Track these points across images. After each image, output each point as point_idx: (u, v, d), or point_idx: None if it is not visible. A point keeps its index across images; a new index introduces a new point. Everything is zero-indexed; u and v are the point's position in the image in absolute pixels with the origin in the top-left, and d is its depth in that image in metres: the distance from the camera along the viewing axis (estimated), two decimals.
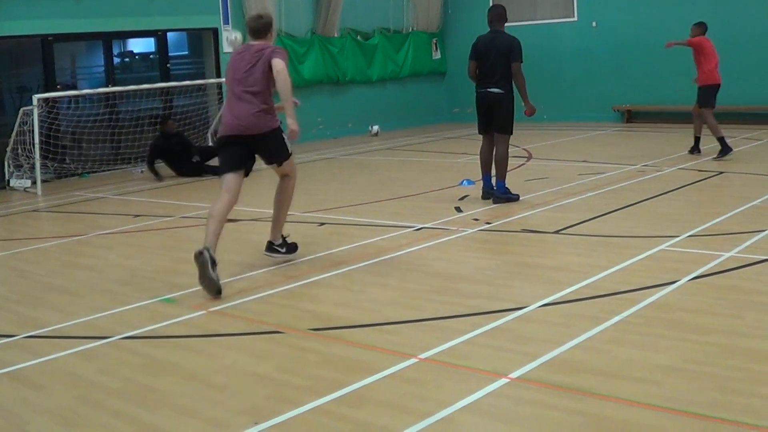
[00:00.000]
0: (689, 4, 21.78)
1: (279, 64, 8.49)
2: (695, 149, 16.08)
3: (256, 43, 8.86)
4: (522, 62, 12.02)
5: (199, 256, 7.96)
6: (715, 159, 15.06)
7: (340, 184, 14.96)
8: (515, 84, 12.07)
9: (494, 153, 12.31)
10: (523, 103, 12.11)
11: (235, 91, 8.74)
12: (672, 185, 12.66)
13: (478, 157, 12.57)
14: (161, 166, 16.98)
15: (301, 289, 8.26)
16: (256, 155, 9.01)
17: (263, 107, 8.71)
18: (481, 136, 12.57)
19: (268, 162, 9.10)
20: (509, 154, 12.37)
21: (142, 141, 18.27)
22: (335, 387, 5.66)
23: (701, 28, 15.99)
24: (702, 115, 15.74)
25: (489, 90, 12.10)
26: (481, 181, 12.53)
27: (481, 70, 12.20)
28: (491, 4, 13.21)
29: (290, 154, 9.11)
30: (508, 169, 12.45)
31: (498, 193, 12.18)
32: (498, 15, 12.38)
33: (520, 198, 12.20)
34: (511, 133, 12.30)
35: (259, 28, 8.94)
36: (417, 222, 10.95)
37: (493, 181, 12.33)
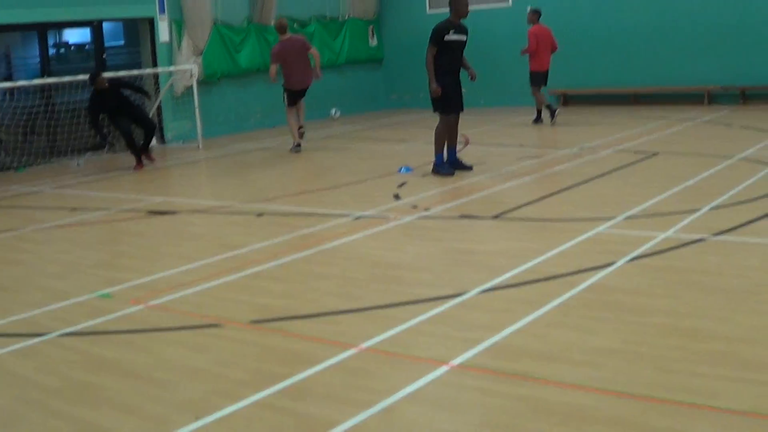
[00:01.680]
0: None
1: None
2: (538, 119, 19.50)
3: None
4: (434, 45, 12.79)
5: None
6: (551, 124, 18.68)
7: (279, 174, 14.89)
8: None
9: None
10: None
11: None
12: (609, 167, 12.77)
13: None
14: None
15: (241, 280, 8.20)
16: None
17: None
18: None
19: None
20: (443, 131, 13.12)
21: (78, 133, 18.06)
22: (276, 379, 5.64)
23: (536, 14, 18.68)
24: (533, 93, 19.22)
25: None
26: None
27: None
28: None
29: None
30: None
31: (434, 167, 13.20)
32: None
33: (458, 183, 12.28)
34: (444, 112, 13.06)
35: None
36: (356, 210, 10.93)
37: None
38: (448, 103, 12.97)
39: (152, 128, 17.02)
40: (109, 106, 16.23)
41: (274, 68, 16.89)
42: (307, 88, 17.49)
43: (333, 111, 23.97)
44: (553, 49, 19.40)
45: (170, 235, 10.52)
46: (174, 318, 7.17)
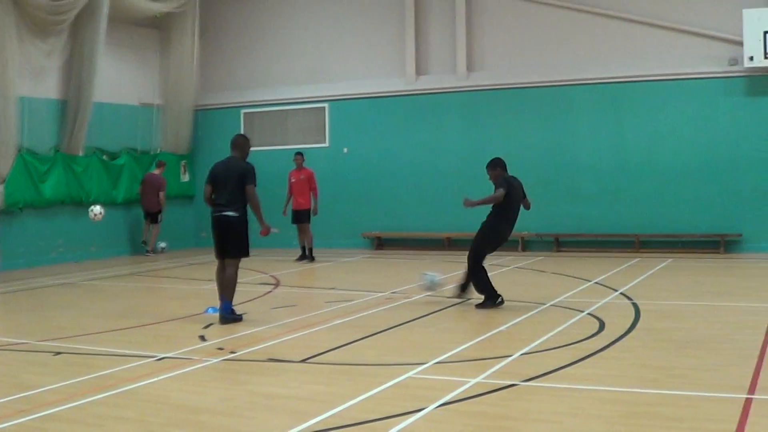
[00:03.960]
0: (436, 131, 22.57)
1: None
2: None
3: None
4: (255, 185, 12.46)
5: None
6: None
7: (79, 311, 14.33)
8: (250, 206, 12.49)
9: (224, 274, 12.56)
10: (259, 224, 12.61)
11: None
12: (420, 312, 12.74)
13: (215, 280, 12.70)
14: None
15: (33, 423, 7.70)
16: None
17: None
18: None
19: None
20: (237, 276, 12.70)
21: None
22: None
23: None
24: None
25: (224, 213, 12.43)
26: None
27: (217, 194, 12.51)
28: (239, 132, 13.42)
29: None
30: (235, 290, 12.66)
31: (224, 314, 12.40)
32: (234, 142, 12.91)
33: (267, 325, 12.04)
34: (247, 255, 12.71)
35: None
36: (159, 351, 10.53)
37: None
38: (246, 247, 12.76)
39: None
40: None
41: None
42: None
43: (162, 245, 24.23)
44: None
45: None
46: None
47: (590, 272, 16.88)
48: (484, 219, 13.54)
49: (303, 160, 20.92)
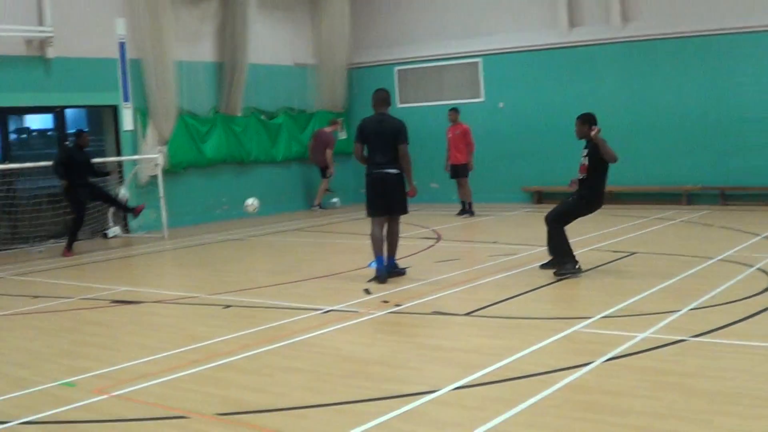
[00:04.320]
0: (593, 84, 22.19)
1: None
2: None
3: None
4: (408, 143, 12.38)
5: None
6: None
7: (247, 266, 14.72)
8: (402, 164, 12.39)
9: (389, 231, 12.57)
10: (407, 185, 12.53)
11: None
12: (585, 266, 12.62)
13: (371, 239, 12.60)
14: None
15: (207, 372, 7.98)
16: None
17: None
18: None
19: None
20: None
21: (40, 220, 17.88)
22: None
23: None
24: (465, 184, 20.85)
25: (386, 171, 12.36)
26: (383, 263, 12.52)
27: (373, 152, 12.45)
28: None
29: None
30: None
31: (389, 269, 12.47)
32: (381, 99, 12.76)
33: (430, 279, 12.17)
34: (407, 212, 12.75)
35: None
36: (326, 304, 10.75)
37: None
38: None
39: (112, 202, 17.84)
40: (79, 169, 16.76)
41: None
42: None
43: (335, 200, 24.61)
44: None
45: (134, 325, 10.32)
46: (138, 409, 6.93)
47: (759, 226, 16.37)
48: (584, 180, 12.27)
49: (458, 116, 20.90)
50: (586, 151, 12.17)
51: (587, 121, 12.23)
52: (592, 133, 11.91)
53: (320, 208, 24.19)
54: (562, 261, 12.09)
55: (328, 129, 24.17)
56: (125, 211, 18.38)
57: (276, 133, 24.34)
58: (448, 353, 8.46)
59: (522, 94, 23.50)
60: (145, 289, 12.54)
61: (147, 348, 8.93)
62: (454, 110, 21.10)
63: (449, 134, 20.93)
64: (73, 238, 16.87)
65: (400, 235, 12.79)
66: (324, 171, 24.02)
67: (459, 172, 20.75)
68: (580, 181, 12.35)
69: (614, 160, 11.89)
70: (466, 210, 20.88)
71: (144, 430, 6.52)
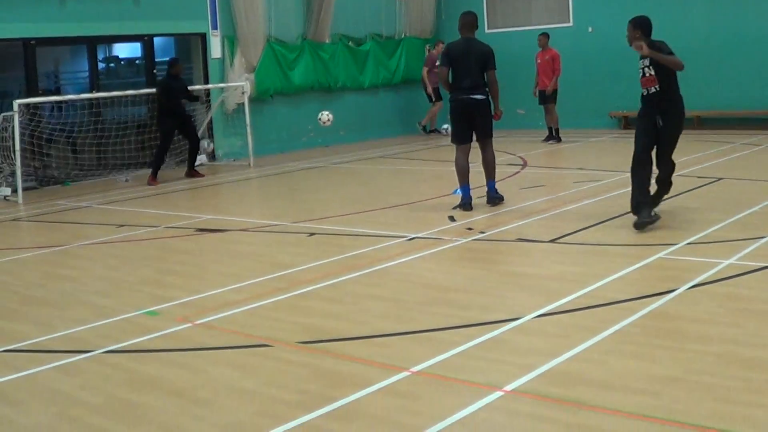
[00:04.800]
0: (682, 8, 21.68)
1: None
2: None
3: None
4: (495, 69, 12.18)
5: None
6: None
7: (331, 194, 14.75)
8: (490, 91, 12.19)
9: (483, 158, 12.40)
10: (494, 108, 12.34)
11: None
12: (670, 192, 12.44)
13: (455, 167, 12.45)
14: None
15: (290, 300, 8.04)
16: None
17: None
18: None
19: None
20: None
21: (126, 148, 18.11)
22: (325, 401, 5.46)
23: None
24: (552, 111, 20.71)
25: (472, 97, 12.13)
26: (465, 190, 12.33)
27: (459, 77, 12.18)
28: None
29: None
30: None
31: (493, 194, 12.35)
32: (469, 22, 12.43)
33: (515, 206, 12.09)
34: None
35: None
36: (409, 232, 10.74)
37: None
38: None
39: (196, 144, 17.78)
40: (174, 96, 17.10)
41: None
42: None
43: (445, 126, 23.75)
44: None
45: (219, 254, 10.42)
46: (221, 337, 7.02)
47: None
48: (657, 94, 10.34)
49: (547, 41, 20.64)
50: (647, 61, 10.26)
51: (639, 25, 10.45)
52: (642, 51, 10.10)
53: (424, 132, 24.21)
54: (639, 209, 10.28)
55: (434, 51, 23.89)
56: (191, 162, 18.13)
57: (364, 60, 24.26)
58: (531, 280, 8.44)
59: (611, 19, 22.98)
60: (230, 218, 12.63)
61: (231, 276, 9.01)
62: (544, 35, 20.82)
63: (538, 59, 20.69)
64: (158, 166, 17.04)
65: (496, 160, 12.56)
66: (429, 96, 23.89)
67: (547, 98, 20.50)
68: (652, 96, 10.35)
69: (681, 66, 10.08)
70: (553, 136, 20.66)
71: (226, 358, 6.59)
